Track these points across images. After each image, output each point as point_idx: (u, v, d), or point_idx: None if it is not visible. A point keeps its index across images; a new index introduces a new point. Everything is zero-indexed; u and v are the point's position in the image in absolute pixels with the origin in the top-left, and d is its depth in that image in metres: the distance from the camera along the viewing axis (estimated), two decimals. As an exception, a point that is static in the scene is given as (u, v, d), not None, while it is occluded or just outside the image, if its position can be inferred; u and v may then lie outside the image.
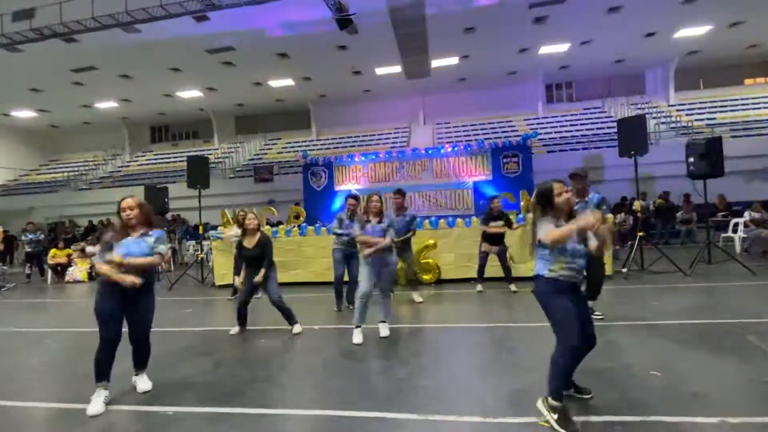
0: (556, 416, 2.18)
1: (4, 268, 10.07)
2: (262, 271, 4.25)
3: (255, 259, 4.30)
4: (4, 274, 9.72)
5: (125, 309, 2.84)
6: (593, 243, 2.34)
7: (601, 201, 4.19)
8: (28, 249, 10.37)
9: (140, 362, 3.04)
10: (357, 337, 3.93)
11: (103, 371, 2.78)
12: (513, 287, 5.95)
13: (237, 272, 5.06)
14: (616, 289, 5.81)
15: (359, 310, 4.00)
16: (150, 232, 2.92)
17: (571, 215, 2.38)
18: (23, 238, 10.31)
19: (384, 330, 4.07)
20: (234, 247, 4.78)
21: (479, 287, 6.13)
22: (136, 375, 3.06)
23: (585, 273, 2.43)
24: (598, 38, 14.44)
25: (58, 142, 23.26)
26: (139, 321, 2.92)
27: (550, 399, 2.23)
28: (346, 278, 5.34)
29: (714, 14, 12.94)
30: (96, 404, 2.68)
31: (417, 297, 5.71)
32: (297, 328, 4.37)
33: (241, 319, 4.45)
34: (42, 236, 11.03)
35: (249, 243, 4.33)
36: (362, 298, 4.00)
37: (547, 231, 2.25)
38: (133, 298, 2.82)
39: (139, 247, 2.84)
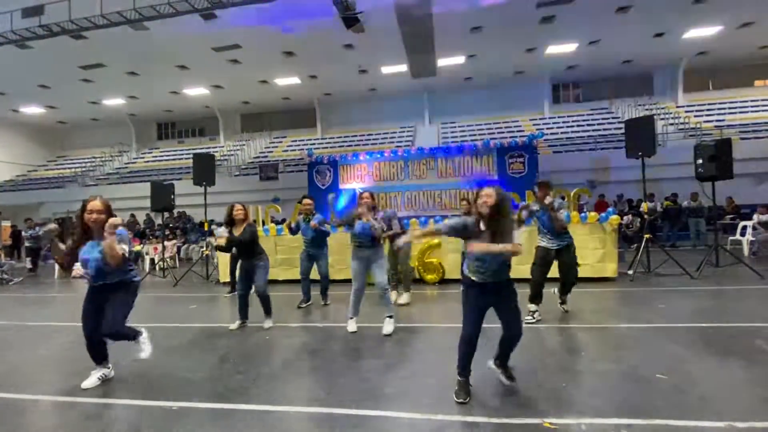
0: (456, 388, 2.61)
1: (11, 262, 10.18)
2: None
3: (243, 244, 4.37)
4: (12, 268, 9.83)
5: (102, 307, 2.92)
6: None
7: (560, 204, 4.35)
8: (28, 244, 10.49)
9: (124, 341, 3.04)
10: (351, 326, 4.15)
11: (95, 358, 3.02)
12: None
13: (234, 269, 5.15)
14: (622, 291, 5.77)
15: (353, 304, 4.19)
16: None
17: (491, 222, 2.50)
18: (24, 234, 10.52)
19: (387, 327, 4.08)
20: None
21: None
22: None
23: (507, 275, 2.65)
24: (606, 38, 14.33)
25: (66, 139, 23.50)
26: (108, 317, 2.88)
27: (458, 373, 2.64)
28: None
29: (724, 14, 12.80)
30: (90, 379, 2.97)
31: (403, 299, 5.50)
32: (268, 323, 4.48)
33: (243, 311, 4.52)
34: (42, 231, 11.14)
35: (237, 231, 4.41)
36: (355, 293, 4.17)
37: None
38: (106, 296, 2.90)
39: (95, 251, 2.79)
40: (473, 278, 2.59)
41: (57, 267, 10.41)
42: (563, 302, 4.67)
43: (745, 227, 9.16)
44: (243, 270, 4.47)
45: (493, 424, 2.28)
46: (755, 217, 9.08)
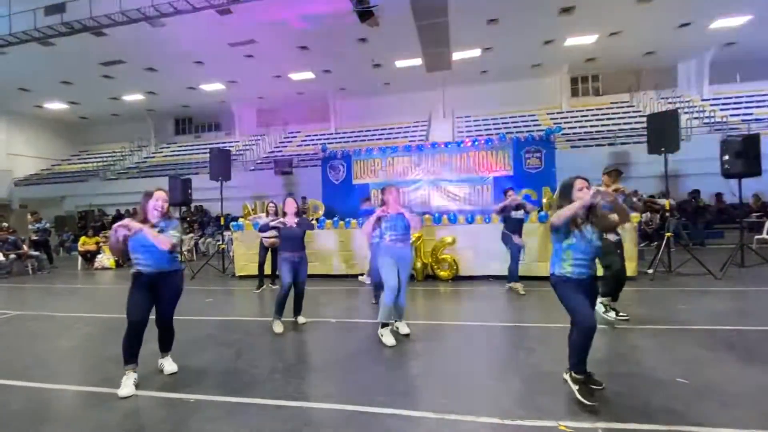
0: (577, 387, 2.48)
1: (36, 253, 10.51)
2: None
3: (296, 238, 4.42)
4: (38, 259, 10.18)
5: (153, 295, 2.99)
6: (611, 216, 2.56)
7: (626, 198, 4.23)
8: (35, 237, 10.85)
9: (166, 345, 3.22)
10: (389, 339, 3.69)
11: (131, 354, 2.93)
12: (521, 290, 5.64)
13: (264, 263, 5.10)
14: (642, 291, 5.63)
15: (388, 307, 3.78)
16: (162, 225, 3.02)
17: (591, 211, 2.52)
18: (30, 227, 10.93)
19: (404, 327, 4.01)
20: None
21: (521, 287, 5.66)
22: (163, 358, 3.22)
23: (603, 269, 2.57)
24: (628, 29, 13.85)
25: (88, 134, 24.08)
26: (165, 305, 3.08)
27: (573, 373, 2.53)
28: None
29: (754, 3, 12.22)
30: (126, 387, 2.82)
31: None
32: (303, 319, 4.53)
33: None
34: (48, 224, 11.88)
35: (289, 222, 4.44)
36: (393, 292, 3.78)
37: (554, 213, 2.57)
38: (160, 285, 2.98)
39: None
40: (571, 276, 2.51)
41: (80, 259, 10.74)
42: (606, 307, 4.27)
43: (772, 225, 8.82)
44: (290, 263, 4.34)
45: (507, 426, 2.26)
46: (783, 215, 8.73)
